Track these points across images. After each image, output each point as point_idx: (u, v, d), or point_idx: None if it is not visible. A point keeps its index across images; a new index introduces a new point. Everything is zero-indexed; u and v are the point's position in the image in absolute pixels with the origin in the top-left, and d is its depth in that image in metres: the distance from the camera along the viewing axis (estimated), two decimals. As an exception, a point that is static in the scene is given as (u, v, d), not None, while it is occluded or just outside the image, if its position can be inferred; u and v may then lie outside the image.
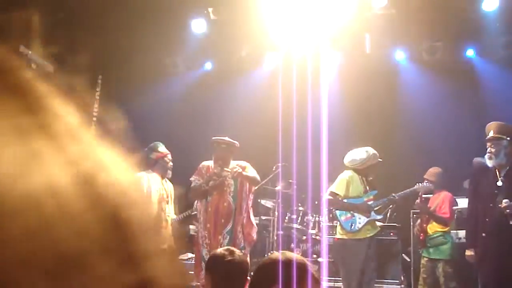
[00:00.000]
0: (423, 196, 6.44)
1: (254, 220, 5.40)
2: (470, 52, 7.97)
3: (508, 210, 4.73)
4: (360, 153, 5.81)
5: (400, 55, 8.22)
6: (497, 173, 4.98)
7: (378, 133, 7.57)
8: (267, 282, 1.82)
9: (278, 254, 1.93)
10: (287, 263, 1.85)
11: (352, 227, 5.60)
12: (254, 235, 5.28)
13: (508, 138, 4.90)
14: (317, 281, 1.86)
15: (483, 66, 7.93)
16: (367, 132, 7.48)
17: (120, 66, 8.03)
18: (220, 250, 2.60)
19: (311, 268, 1.87)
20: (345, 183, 5.74)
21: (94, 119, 6.40)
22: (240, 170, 5.08)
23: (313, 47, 7.92)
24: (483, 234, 4.98)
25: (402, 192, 5.89)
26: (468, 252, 5.20)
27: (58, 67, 6.34)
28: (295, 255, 1.92)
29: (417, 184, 6.00)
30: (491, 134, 5.01)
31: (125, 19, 7.57)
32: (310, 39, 7.83)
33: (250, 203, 5.33)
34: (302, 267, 1.85)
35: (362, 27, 7.76)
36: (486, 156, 5.01)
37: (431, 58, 7.92)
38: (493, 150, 4.94)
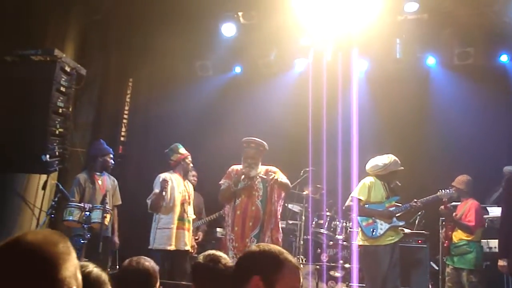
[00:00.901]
0: (452, 203, 6.37)
1: (280, 225, 5.40)
2: (504, 58, 7.82)
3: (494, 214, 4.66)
4: (381, 159, 5.81)
5: (431, 61, 8.12)
6: None
7: (407, 140, 7.52)
8: (246, 274, 1.84)
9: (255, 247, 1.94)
10: (263, 253, 1.86)
11: (374, 233, 5.58)
12: (281, 241, 5.29)
13: None
14: (295, 268, 1.86)
15: (518, 72, 7.77)
16: (396, 139, 7.43)
17: (151, 70, 8.16)
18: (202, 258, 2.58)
19: (286, 255, 1.87)
20: (366, 188, 5.74)
21: (125, 121, 6.57)
22: (276, 177, 5.09)
23: (343, 52, 7.91)
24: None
25: (424, 199, 5.82)
26: (501, 263, 5.07)
27: (90, 70, 6.52)
28: (271, 246, 1.92)
29: (440, 190, 5.91)
30: None
31: (156, 22, 7.69)
32: (340, 44, 7.82)
33: (280, 208, 5.33)
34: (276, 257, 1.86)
35: (393, 32, 7.71)
36: None
37: (463, 64, 7.79)
38: None
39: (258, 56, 8.22)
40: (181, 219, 5.81)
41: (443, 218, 6.66)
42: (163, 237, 5.69)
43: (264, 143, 5.28)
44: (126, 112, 7.84)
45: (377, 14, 7.15)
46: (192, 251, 6.00)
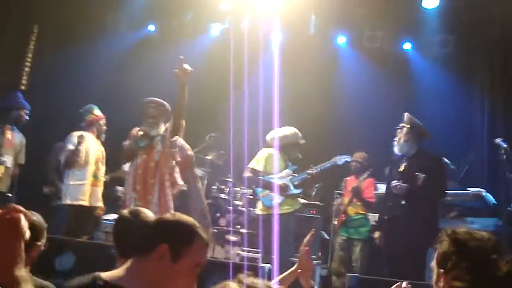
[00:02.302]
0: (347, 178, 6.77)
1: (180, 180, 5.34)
2: (407, 46, 8.26)
3: (395, 190, 5.08)
4: (282, 131, 6.01)
5: (341, 40, 8.39)
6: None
7: (312, 114, 7.75)
8: (155, 240, 1.87)
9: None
10: (177, 223, 1.92)
11: (270, 202, 5.78)
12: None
13: (408, 126, 5.19)
14: (205, 245, 1.94)
15: (418, 61, 8.25)
16: (301, 112, 7.64)
17: (58, 18, 7.72)
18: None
19: (199, 230, 1.93)
20: (264, 159, 5.93)
21: (27, 69, 6.21)
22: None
23: (261, 22, 7.96)
24: (385, 217, 5.35)
25: (321, 165, 6.09)
26: (376, 235, 5.56)
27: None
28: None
29: (336, 156, 6.20)
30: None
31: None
32: (258, 13, 7.86)
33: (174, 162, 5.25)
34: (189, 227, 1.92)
35: (310, 6, 7.86)
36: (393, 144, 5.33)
37: (371, 46, 8.15)
38: (396, 138, 5.31)
39: (174, 16, 8.08)
40: (95, 176, 5.82)
41: (338, 191, 7.05)
42: (77, 192, 5.65)
43: (165, 103, 5.24)
44: (28, 60, 7.39)
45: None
46: (101, 211, 5.97)
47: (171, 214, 2.01)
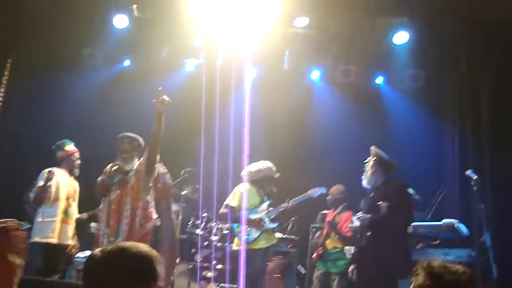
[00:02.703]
0: (323, 212, 6.80)
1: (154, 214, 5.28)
2: (379, 80, 8.45)
3: (360, 222, 5.16)
4: (256, 165, 6.08)
5: (315, 75, 8.55)
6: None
7: (286, 148, 7.81)
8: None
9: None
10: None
11: (247, 238, 5.77)
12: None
13: (374, 158, 5.30)
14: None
15: (390, 94, 8.45)
16: (275, 146, 7.70)
17: (34, 52, 7.71)
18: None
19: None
20: (238, 195, 5.95)
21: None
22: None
23: (234, 58, 8.09)
24: (355, 250, 5.38)
25: (296, 198, 6.12)
26: (350, 268, 5.58)
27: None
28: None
29: (311, 190, 6.25)
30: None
31: (45, 1, 7.32)
32: (232, 50, 7.98)
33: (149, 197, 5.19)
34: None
35: (283, 43, 8.01)
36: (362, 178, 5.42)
37: (344, 81, 8.32)
38: (366, 171, 5.40)
39: (149, 51, 8.14)
40: (66, 213, 5.72)
41: (314, 225, 7.07)
42: (46, 230, 5.55)
43: (139, 138, 5.24)
44: (1, 94, 7.33)
45: (269, 25, 7.39)
46: (74, 249, 5.85)
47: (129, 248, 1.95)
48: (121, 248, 1.90)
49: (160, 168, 5.18)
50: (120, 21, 7.59)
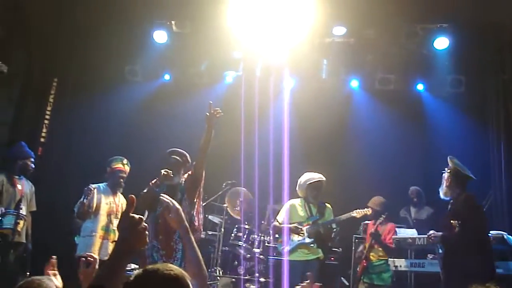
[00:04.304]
0: (365, 222, 6.74)
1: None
2: (420, 87, 8.31)
3: (431, 240, 5.06)
4: (300, 178, 6.14)
5: (354, 83, 8.49)
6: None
7: (327, 158, 7.78)
8: None
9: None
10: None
11: (284, 249, 5.89)
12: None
13: (449, 171, 5.15)
14: None
15: (431, 101, 8.30)
16: (316, 156, 7.68)
17: (77, 70, 7.94)
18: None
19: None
20: (284, 211, 6.11)
21: (46, 122, 6.35)
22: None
23: (273, 69, 8.12)
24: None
25: (337, 217, 6.15)
26: None
27: (11, 67, 6.29)
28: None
29: (355, 210, 6.22)
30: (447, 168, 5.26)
31: (87, 22, 7.54)
32: (270, 61, 8.02)
33: (197, 207, 5.25)
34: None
35: (321, 52, 8.00)
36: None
37: (383, 89, 8.22)
38: (442, 183, 5.21)
39: (188, 65, 8.27)
40: (106, 229, 5.81)
41: (357, 236, 7.01)
42: (86, 245, 5.68)
43: (186, 154, 5.30)
44: (48, 112, 7.57)
45: (306, 35, 7.41)
46: None
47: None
48: (159, 270, 1.90)
49: (164, 197, 5.18)
50: (160, 36, 7.77)
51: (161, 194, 4.88)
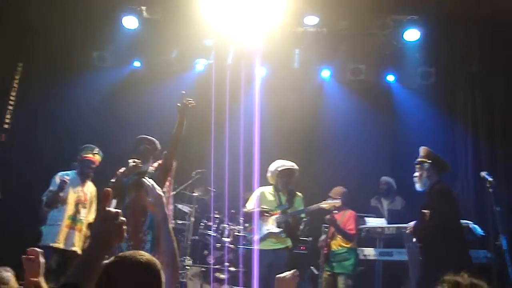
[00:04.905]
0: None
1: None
2: (390, 78, 8.37)
3: (407, 231, 5.09)
4: (270, 167, 6.15)
5: (326, 73, 8.49)
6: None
7: (297, 147, 7.77)
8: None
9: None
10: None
11: (254, 237, 5.87)
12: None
13: (430, 161, 5.12)
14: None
15: (401, 92, 8.37)
16: (285, 144, 7.67)
17: (44, 55, 7.72)
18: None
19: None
20: (254, 199, 6.10)
21: (10, 107, 6.15)
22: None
23: (245, 57, 8.06)
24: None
25: (306, 208, 6.13)
26: None
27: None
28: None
29: (324, 201, 6.21)
30: (418, 158, 5.21)
31: (52, 5, 7.32)
32: (242, 49, 7.95)
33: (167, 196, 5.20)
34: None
35: (293, 42, 7.97)
36: (414, 181, 5.22)
37: (355, 79, 8.25)
38: (417, 174, 5.16)
39: (159, 52, 8.13)
40: (73, 219, 5.72)
41: (326, 225, 7.03)
42: (51, 234, 5.60)
43: (156, 141, 5.22)
44: (12, 98, 7.35)
45: (279, 24, 7.37)
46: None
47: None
48: (131, 257, 1.92)
49: (147, 180, 5.12)
50: (130, 22, 7.61)
51: (144, 178, 4.86)
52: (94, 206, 5.96)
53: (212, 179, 7.11)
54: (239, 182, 6.88)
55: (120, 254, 1.97)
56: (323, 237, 6.67)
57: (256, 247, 5.85)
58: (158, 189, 2.86)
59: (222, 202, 7.01)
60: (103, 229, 1.92)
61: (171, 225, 2.78)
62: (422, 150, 5.25)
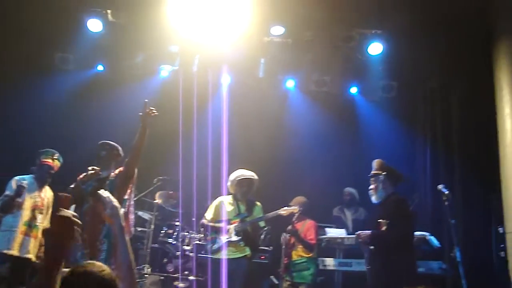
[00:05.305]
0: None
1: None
2: (354, 90, 8.50)
3: (360, 239, 5.14)
4: (230, 176, 6.18)
5: (290, 83, 8.56)
6: None
7: (260, 156, 7.79)
8: None
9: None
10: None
11: (212, 247, 5.91)
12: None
13: (385, 173, 5.19)
14: None
15: (363, 105, 8.53)
16: (251, 152, 7.69)
17: (3, 55, 7.51)
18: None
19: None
20: (213, 208, 6.13)
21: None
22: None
23: (210, 65, 8.05)
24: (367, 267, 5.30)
25: (265, 215, 6.15)
26: None
27: None
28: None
29: (282, 208, 6.24)
30: (372, 171, 5.26)
31: (13, 4, 7.14)
32: (207, 56, 7.94)
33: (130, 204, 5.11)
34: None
35: (258, 51, 8.01)
36: (370, 194, 5.26)
37: (318, 90, 8.35)
38: (373, 186, 5.20)
39: (123, 57, 8.00)
40: (29, 225, 5.57)
41: (287, 234, 7.05)
42: (4, 240, 5.43)
43: (119, 147, 5.14)
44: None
45: (244, 32, 7.38)
46: (37, 261, 5.69)
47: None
48: (89, 272, 1.90)
49: (104, 192, 5.03)
50: (94, 25, 7.48)
51: (100, 190, 4.75)
52: (50, 212, 5.82)
53: (180, 185, 7.07)
54: (207, 190, 6.87)
55: (78, 266, 1.95)
56: (284, 246, 6.69)
57: (214, 256, 5.84)
58: (115, 201, 2.82)
59: (187, 210, 6.97)
60: (55, 230, 1.91)
61: (127, 237, 2.73)
62: (376, 162, 5.31)
